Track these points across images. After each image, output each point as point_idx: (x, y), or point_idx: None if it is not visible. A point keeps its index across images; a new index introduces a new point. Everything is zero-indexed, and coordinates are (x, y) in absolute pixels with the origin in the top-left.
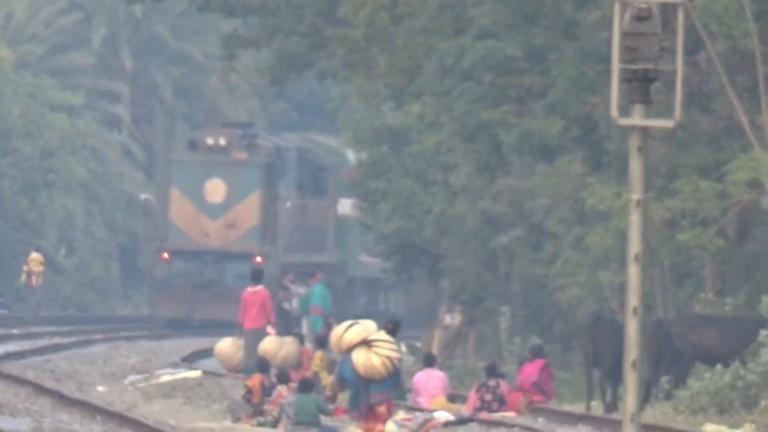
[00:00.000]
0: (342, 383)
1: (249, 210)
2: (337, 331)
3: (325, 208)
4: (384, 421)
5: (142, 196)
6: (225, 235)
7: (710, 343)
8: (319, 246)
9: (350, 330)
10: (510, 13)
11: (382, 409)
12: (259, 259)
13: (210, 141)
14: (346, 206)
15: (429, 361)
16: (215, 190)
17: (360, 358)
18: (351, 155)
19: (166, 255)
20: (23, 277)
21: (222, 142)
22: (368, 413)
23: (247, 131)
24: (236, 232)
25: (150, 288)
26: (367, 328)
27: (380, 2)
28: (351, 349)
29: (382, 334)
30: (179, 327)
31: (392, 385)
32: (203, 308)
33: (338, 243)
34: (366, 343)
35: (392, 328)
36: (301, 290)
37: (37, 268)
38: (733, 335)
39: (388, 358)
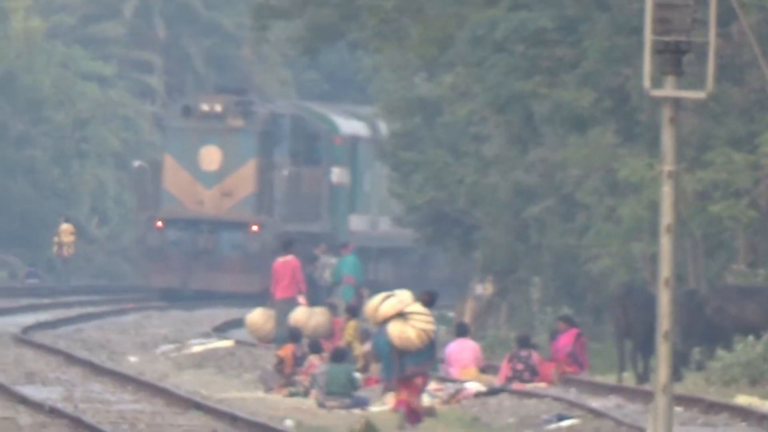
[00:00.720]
0: (377, 355)
1: (245, 178)
2: (373, 303)
3: (318, 177)
4: (419, 393)
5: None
6: (220, 203)
7: (749, 315)
8: (313, 215)
9: (386, 302)
10: None
11: (417, 381)
12: (255, 228)
13: (205, 107)
14: (338, 174)
15: (462, 332)
16: (210, 157)
17: (395, 331)
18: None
19: (159, 223)
20: (54, 248)
21: (217, 108)
22: (403, 385)
23: (242, 97)
24: (231, 200)
25: (143, 257)
26: (402, 300)
27: None
28: (386, 321)
29: (418, 307)
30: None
31: (427, 357)
32: (198, 278)
33: (330, 211)
34: (402, 315)
35: (428, 300)
36: (333, 260)
37: (67, 238)
38: None
39: (424, 330)
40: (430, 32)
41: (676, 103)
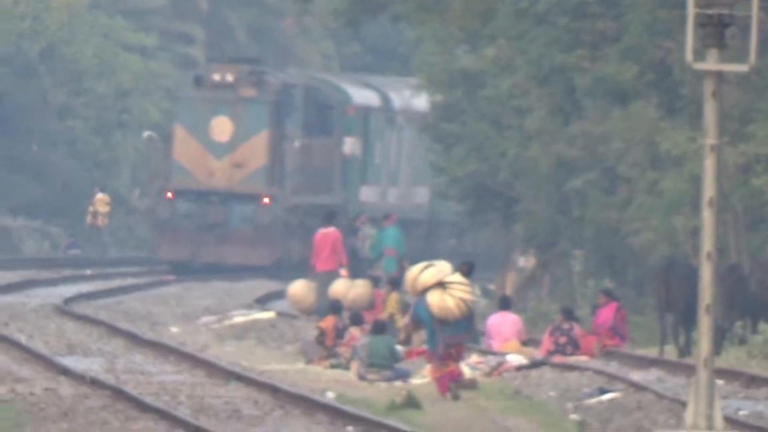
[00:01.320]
0: (416, 324)
1: (256, 149)
2: (412, 272)
3: (331, 148)
4: (456, 362)
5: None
6: (231, 175)
7: None
8: (326, 187)
9: (425, 272)
10: None
11: (452, 351)
12: (266, 200)
13: (217, 77)
14: (350, 145)
15: (504, 304)
16: (221, 128)
17: (435, 300)
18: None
19: (169, 194)
20: (88, 217)
21: (229, 78)
22: (444, 355)
23: (255, 67)
24: (243, 172)
25: (152, 229)
26: (441, 270)
27: None
28: (426, 290)
29: (457, 276)
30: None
31: (466, 327)
32: (208, 250)
33: (343, 183)
34: (441, 284)
35: (467, 269)
36: (372, 232)
37: (102, 208)
38: None
39: (463, 300)
40: (473, 4)
41: (719, 76)
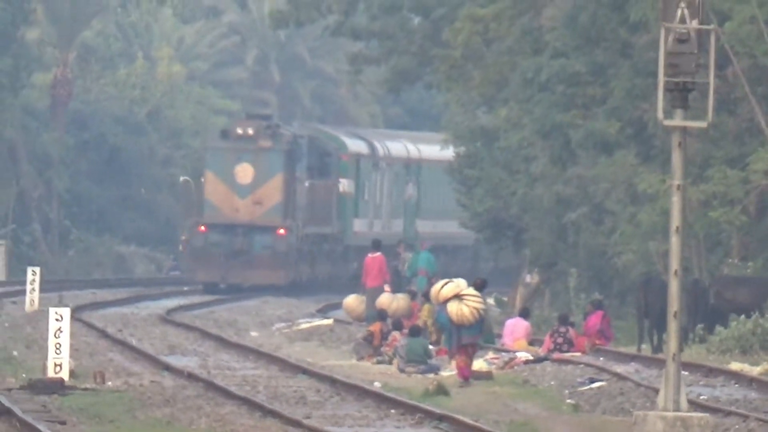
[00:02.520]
0: (438, 328)
1: (273, 189)
2: (436, 287)
3: (330, 187)
4: (470, 357)
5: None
6: (253, 210)
7: (741, 299)
8: (326, 219)
9: (446, 286)
10: (577, 37)
11: (469, 349)
12: (282, 231)
13: (240, 131)
14: (344, 185)
15: (523, 313)
16: (244, 172)
17: (453, 309)
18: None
19: (202, 228)
20: (181, 246)
21: (250, 131)
22: (459, 351)
23: (270, 122)
24: (262, 208)
25: (188, 256)
26: (459, 285)
27: (474, 29)
28: (446, 301)
29: (471, 290)
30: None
31: (478, 330)
32: (235, 273)
33: (338, 216)
34: (458, 296)
35: (480, 284)
36: (409, 255)
37: None
38: (758, 292)
39: (476, 308)
40: (489, 75)
41: (684, 130)
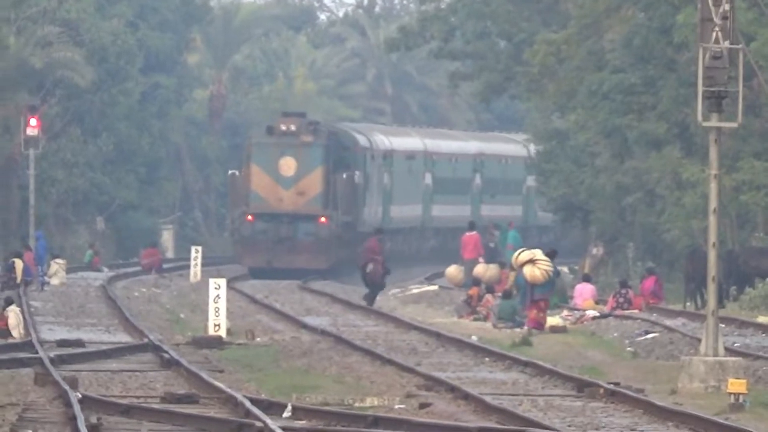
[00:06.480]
0: (517, 287)
1: (314, 181)
2: (515, 254)
3: (351, 179)
4: (542, 310)
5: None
6: (296, 201)
7: (766, 266)
8: (352, 209)
9: (522, 253)
10: (632, 55)
11: (542, 304)
12: (323, 219)
13: (283, 127)
14: (357, 176)
15: (586, 278)
16: (288, 165)
17: (527, 271)
18: (380, 140)
19: (250, 217)
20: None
21: (293, 128)
22: (533, 306)
23: (311, 119)
24: (305, 198)
25: (236, 244)
26: (533, 252)
27: (549, 50)
28: (522, 265)
29: (543, 255)
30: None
31: (548, 288)
32: (279, 259)
33: (356, 205)
34: (532, 261)
35: (551, 253)
36: (498, 233)
37: None
38: None
39: (546, 271)
40: (561, 87)
41: (719, 130)
